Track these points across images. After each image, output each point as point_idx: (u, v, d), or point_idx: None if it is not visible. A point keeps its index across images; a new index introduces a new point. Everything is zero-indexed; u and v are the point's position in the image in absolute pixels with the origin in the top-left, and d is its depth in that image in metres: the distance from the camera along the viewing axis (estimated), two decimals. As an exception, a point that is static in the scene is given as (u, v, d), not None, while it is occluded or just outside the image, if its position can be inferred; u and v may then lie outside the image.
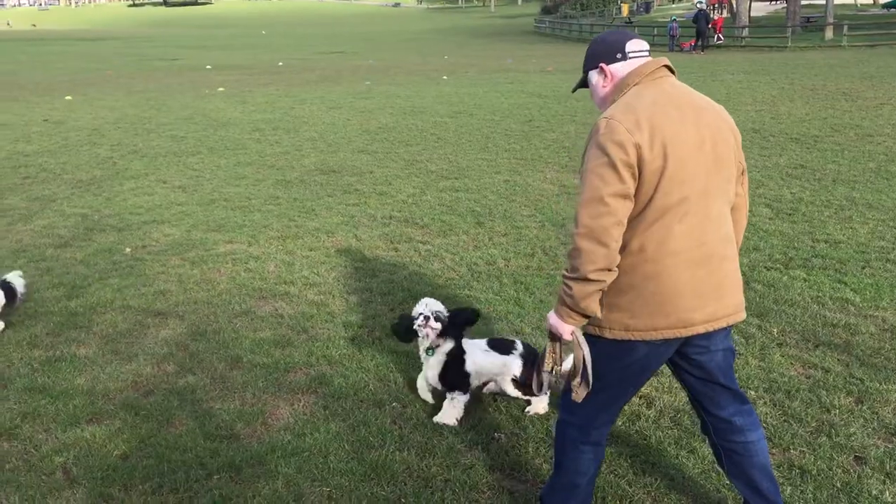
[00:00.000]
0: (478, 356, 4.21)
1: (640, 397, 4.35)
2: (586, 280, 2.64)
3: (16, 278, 5.71)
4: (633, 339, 2.77)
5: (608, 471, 3.66)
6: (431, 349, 4.15)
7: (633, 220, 2.67)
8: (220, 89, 22.88)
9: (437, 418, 4.16)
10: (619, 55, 2.84)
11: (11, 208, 9.13)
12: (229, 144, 13.38)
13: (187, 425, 4.18)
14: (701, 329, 2.76)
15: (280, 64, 34.22)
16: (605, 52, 2.86)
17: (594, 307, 2.71)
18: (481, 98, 19.53)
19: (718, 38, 38.63)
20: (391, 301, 5.92)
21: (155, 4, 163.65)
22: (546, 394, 3.12)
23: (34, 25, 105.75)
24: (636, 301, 2.73)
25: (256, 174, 10.88)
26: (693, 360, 2.93)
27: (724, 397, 3.02)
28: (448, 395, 4.16)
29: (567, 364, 3.14)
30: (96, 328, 5.52)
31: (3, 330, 5.46)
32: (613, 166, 2.59)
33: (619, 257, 2.66)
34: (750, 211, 7.97)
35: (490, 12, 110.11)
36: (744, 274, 6.13)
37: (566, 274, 2.71)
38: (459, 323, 4.18)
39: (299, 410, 4.33)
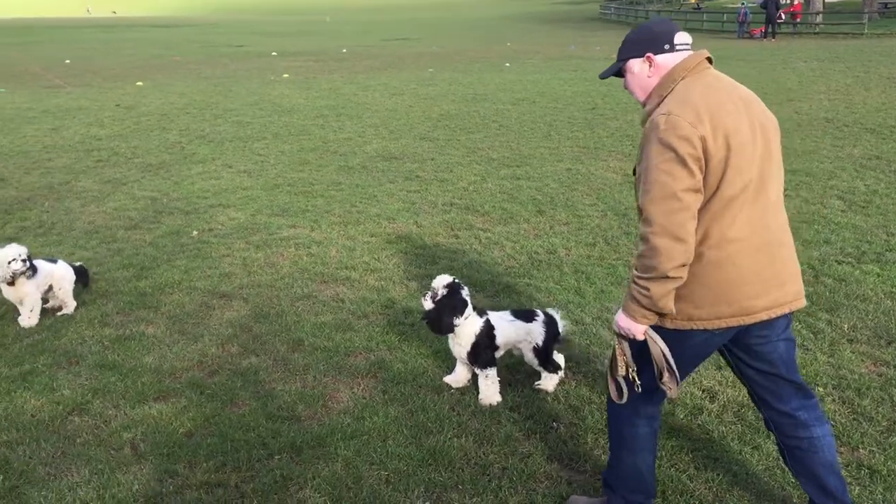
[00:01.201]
0: (505, 327, 4.27)
1: (703, 391, 4.27)
2: (666, 278, 2.62)
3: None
4: (694, 328, 2.75)
5: (669, 464, 3.61)
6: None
7: (699, 210, 2.64)
8: (285, 76, 23.18)
9: (484, 400, 4.20)
10: (667, 46, 2.79)
11: (85, 190, 9.42)
12: (293, 130, 13.56)
13: (250, 405, 4.26)
14: (763, 316, 2.74)
15: (344, 51, 34.46)
16: (652, 40, 2.80)
17: (671, 305, 2.70)
18: (544, 85, 19.36)
19: (779, 18, 37.20)
20: (451, 288, 5.93)
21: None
22: (625, 399, 3.03)
23: (114, 12, 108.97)
24: (699, 290, 2.71)
25: (319, 160, 11.00)
26: (755, 351, 2.89)
27: (787, 390, 2.97)
28: (481, 373, 4.21)
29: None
30: (164, 308, 5.66)
31: (76, 308, 5.65)
32: (683, 161, 2.58)
33: (693, 251, 2.63)
34: (821, 203, 7.70)
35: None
36: (813, 268, 5.96)
37: (639, 275, 2.67)
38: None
39: (359, 394, 4.38)
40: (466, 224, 7.63)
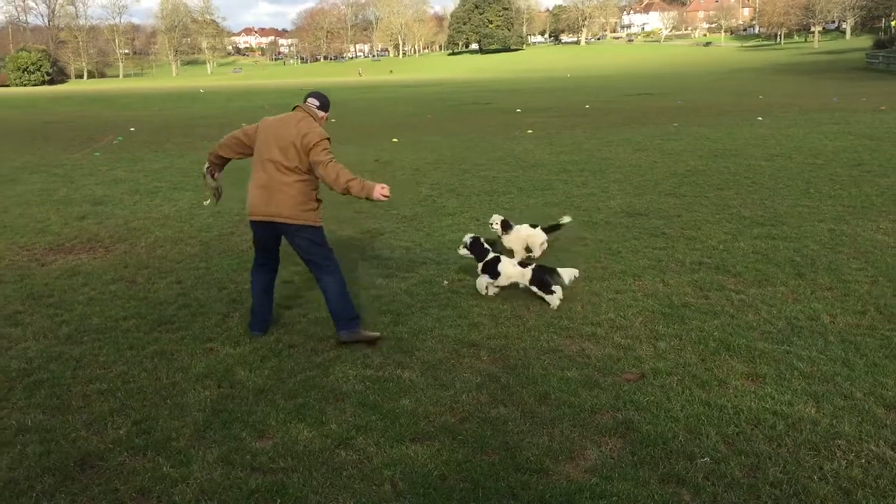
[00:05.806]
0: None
1: None
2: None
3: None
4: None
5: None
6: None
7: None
8: (529, 131, 23.79)
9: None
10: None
11: (348, 239, 10.23)
12: (537, 185, 13.85)
13: (499, 455, 4.37)
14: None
15: (586, 106, 34.78)
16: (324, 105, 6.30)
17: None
18: (801, 140, 18.28)
19: None
20: (703, 351, 5.73)
21: (472, 52, 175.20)
22: None
23: (391, 72, 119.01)
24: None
25: (563, 215, 11.11)
26: (291, 243, 6.18)
27: (312, 265, 6.25)
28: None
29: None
30: (418, 354, 5.98)
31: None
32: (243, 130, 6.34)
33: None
34: None
35: (812, 48, 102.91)
36: None
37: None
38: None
39: (606, 453, 4.34)
40: (717, 284, 7.35)
